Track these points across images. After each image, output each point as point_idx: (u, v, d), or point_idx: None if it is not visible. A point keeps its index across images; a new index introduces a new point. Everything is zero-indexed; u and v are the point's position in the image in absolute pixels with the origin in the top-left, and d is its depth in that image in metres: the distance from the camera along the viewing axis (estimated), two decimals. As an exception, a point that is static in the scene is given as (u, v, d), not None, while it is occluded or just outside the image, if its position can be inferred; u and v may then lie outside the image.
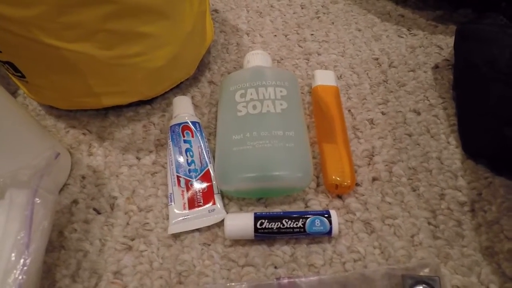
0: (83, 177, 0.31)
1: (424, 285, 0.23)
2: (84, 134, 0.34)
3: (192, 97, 0.36)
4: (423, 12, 0.44)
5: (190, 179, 0.29)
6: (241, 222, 0.26)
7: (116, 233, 0.28)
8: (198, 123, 0.32)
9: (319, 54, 0.40)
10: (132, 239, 0.27)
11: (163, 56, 0.31)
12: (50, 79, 0.30)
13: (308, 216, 0.26)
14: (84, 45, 0.27)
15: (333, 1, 0.46)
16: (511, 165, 0.29)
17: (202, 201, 0.28)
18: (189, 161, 0.30)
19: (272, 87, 0.31)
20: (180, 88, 0.37)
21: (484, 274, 0.25)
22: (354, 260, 0.26)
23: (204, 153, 0.30)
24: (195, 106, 0.36)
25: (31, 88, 0.33)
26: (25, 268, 0.19)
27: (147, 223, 0.28)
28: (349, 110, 0.35)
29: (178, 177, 0.29)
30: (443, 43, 0.40)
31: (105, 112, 0.36)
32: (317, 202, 0.29)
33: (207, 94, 0.37)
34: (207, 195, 0.28)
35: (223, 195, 0.29)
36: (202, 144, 0.31)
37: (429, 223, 0.28)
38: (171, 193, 0.29)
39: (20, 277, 0.18)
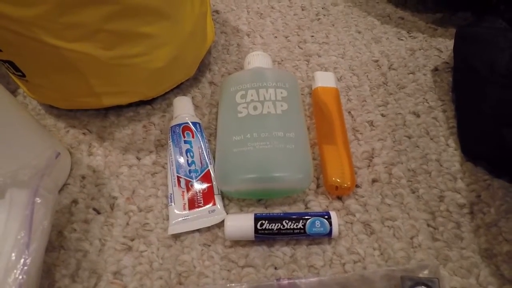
0: (83, 177, 0.31)
1: (423, 286, 0.23)
2: (84, 134, 0.34)
3: (193, 98, 0.36)
4: (423, 15, 0.44)
5: (191, 180, 0.29)
6: (241, 223, 0.26)
7: (116, 233, 0.28)
8: (199, 123, 0.32)
9: (319, 56, 0.40)
10: (132, 239, 0.27)
11: (164, 57, 0.31)
12: (51, 78, 0.30)
13: (308, 217, 0.26)
14: (85, 45, 0.27)
15: (334, 3, 0.46)
16: (510, 168, 0.29)
17: (202, 201, 0.28)
18: (189, 162, 0.30)
19: (273, 88, 0.31)
20: (180, 88, 0.37)
21: (482, 276, 0.25)
22: (354, 262, 0.26)
23: (205, 153, 0.30)
24: (196, 107, 0.36)
25: (31, 88, 0.33)
26: (25, 267, 0.19)
27: (147, 224, 0.28)
28: (349, 112, 0.35)
29: (178, 177, 0.29)
30: (442, 46, 0.40)
31: (105, 112, 0.36)
32: (317, 204, 0.29)
33: (207, 95, 0.37)
34: (207, 195, 0.28)
35: (223, 196, 0.29)
36: (202, 145, 0.31)
37: (428, 225, 0.28)
38: (171, 194, 0.29)
39: (20, 277, 0.18)
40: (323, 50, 0.41)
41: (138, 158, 0.32)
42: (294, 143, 0.28)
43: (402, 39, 0.41)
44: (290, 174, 0.27)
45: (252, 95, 0.30)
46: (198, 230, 0.28)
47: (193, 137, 0.31)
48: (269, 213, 0.27)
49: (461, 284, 0.25)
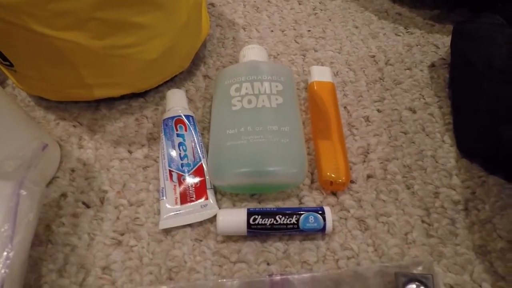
0: (73, 170, 0.30)
1: (417, 283, 0.23)
2: (74, 126, 0.33)
3: (187, 91, 0.36)
4: (420, 11, 0.44)
5: (183, 174, 0.28)
6: (233, 218, 0.26)
7: (105, 227, 0.27)
8: (192, 116, 0.31)
9: (315, 51, 0.39)
10: (122, 234, 0.27)
11: (157, 48, 0.31)
12: (40, 68, 0.29)
13: (301, 212, 0.26)
14: (75, 34, 0.26)
15: (331, -2, 0.45)
16: (505, 164, 0.29)
17: (194, 196, 0.28)
18: (182, 155, 0.29)
19: (268, 82, 0.30)
20: (174, 81, 0.37)
21: (476, 273, 0.25)
22: (348, 258, 0.26)
23: (198, 147, 0.30)
24: (189, 100, 0.35)
25: (20, 78, 0.32)
26: (8, 261, 0.18)
27: (138, 218, 0.28)
28: (345, 107, 0.35)
29: (170, 171, 0.28)
30: (439, 42, 0.40)
31: (96, 104, 0.35)
32: (311, 199, 0.29)
33: (201, 88, 0.36)
34: (200, 190, 0.28)
35: (216, 190, 0.29)
36: (195, 138, 0.30)
37: (423, 221, 0.28)
38: (163, 188, 0.28)
39: (3, 271, 0.18)
40: (320, 44, 0.40)
41: (130, 152, 0.32)
42: (289, 137, 0.27)
43: (399, 35, 0.41)
44: (284, 168, 0.26)
45: (246, 88, 0.30)
46: (190, 225, 0.27)
47: (186, 130, 0.30)
48: (262, 208, 0.27)
49: (455, 281, 0.25)
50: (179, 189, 0.28)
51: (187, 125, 0.31)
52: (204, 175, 0.29)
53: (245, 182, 0.27)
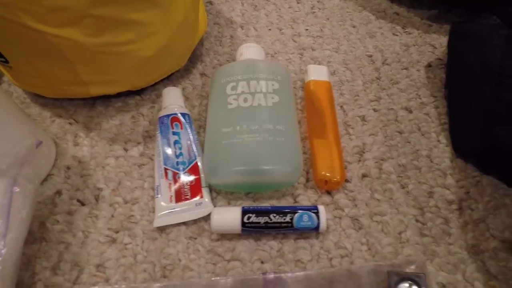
0: (68, 168, 0.30)
1: (409, 281, 0.23)
2: (70, 123, 0.33)
3: (183, 89, 0.36)
4: (418, 11, 0.44)
5: (178, 172, 0.28)
6: (228, 216, 0.26)
7: (100, 225, 0.27)
8: (188, 115, 0.31)
9: (313, 50, 0.39)
10: (117, 232, 0.27)
11: (154, 45, 0.30)
12: (35, 65, 0.29)
13: (296, 211, 0.26)
14: (71, 31, 0.26)
15: (329, -3, 0.45)
16: (499, 165, 0.29)
17: (189, 194, 0.28)
18: (177, 153, 0.29)
19: (264, 81, 0.30)
20: (171, 79, 0.36)
21: (469, 272, 0.25)
22: (341, 256, 0.26)
23: (193, 145, 0.30)
24: (186, 98, 0.35)
25: (15, 75, 0.32)
26: (0, 258, 0.18)
27: (133, 216, 0.28)
28: (341, 106, 0.35)
29: (165, 169, 0.28)
30: (436, 42, 0.40)
31: (92, 101, 0.35)
32: (306, 198, 0.29)
33: (198, 86, 0.36)
34: (195, 188, 0.28)
35: (211, 189, 0.29)
36: (191, 137, 0.30)
37: (416, 221, 0.28)
38: (158, 186, 0.28)
39: (-5, 267, 0.18)
40: (317, 43, 0.40)
41: (126, 149, 0.32)
42: (284, 136, 0.28)
43: (396, 35, 0.41)
44: (279, 167, 0.26)
45: (243, 87, 0.30)
46: (185, 223, 0.27)
47: (181, 128, 0.30)
48: (256, 207, 0.27)
49: (447, 280, 0.25)
50: (174, 187, 0.28)
51: (182, 123, 0.31)
52: (199, 173, 0.29)
53: (240, 181, 0.27)
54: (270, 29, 0.42)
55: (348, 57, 0.39)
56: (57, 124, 0.33)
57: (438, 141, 0.32)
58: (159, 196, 0.28)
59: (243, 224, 0.25)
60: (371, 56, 0.39)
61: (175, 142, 0.30)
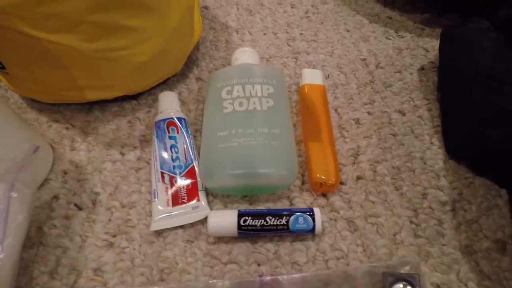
0: (65, 172, 0.30)
1: (404, 282, 0.23)
2: (67, 128, 0.34)
3: (179, 93, 0.36)
4: (411, 15, 0.44)
5: (175, 176, 0.29)
6: (224, 219, 0.26)
7: (97, 229, 0.27)
8: (184, 119, 0.32)
9: (307, 54, 0.40)
10: (114, 236, 0.27)
11: (149, 51, 0.31)
12: (32, 71, 0.29)
13: (291, 213, 0.26)
14: (67, 37, 0.27)
15: (323, 2, 0.46)
16: (491, 166, 0.30)
17: (186, 198, 0.28)
18: (173, 158, 0.29)
19: (259, 85, 0.31)
20: (167, 84, 0.37)
21: (463, 272, 0.26)
22: (337, 258, 0.26)
23: (189, 149, 0.30)
24: (182, 103, 0.35)
25: (12, 80, 0.32)
26: (-2, 263, 0.18)
27: (130, 220, 0.28)
28: (335, 110, 0.35)
29: (162, 173, 0.29)
30: (429, 46, 0.41)
31: (89, 106, 0.35)
32: (301, 200, 0.29)
33: (194, 91, 0.36)
34: (192, 192, 0.28)
35: (207, 192, 0.29)
36: (187, 141, 0.30)
37: (411, 222, 0.28)
38: (154, 190, 0.28)
39: (-7, 273, 0.18)
40: (312, 47, 0.41)
41: (122, 154, 0.32)
42: (279, 139, 0.28)
43: (389, 38, 0.42)
44: (275, 170, 0.27)
45: (238, 91, 0.30)
46: (182, 227, 0.27)
47: (178, 132, 0.31)
48: (252, 210, 0.27)
49: (441, 280, 0.25)
50: (170, 191, 0.28)
51: (179, 128, 0.31)
52: (196, 177, 0.29)
53: (236, 184, 0.27)
54: (265, 34, 0.42)
55: (342, 61, 0.39)
56: (53, 129, 0.34)
57: (431, 143, 0.33)
58: (156, 200, 0.28)
59: (240, 227, 0.26)
60: (364, 59, 0.40)
61: (172, 146, 0.30)
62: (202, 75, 0.38)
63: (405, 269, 0.25)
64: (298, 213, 0.26)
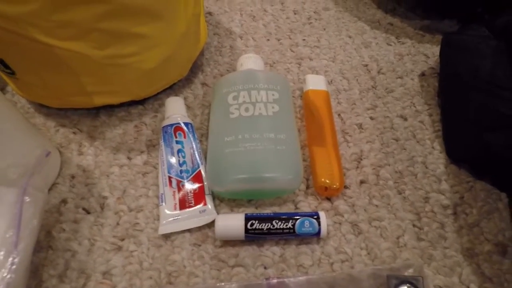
0: (73, 177, 0.31)
1: (408, 284, 0.24)
2: (74, 133, 0.34)
3: (185, 98, 0.36)
4: (411, 21, 0.45)
5: (182, 180, 0.29)
6: (231, 223, 0.26)
7: (105, 233, 0.28)
8: (191, 124, 0.32)
9: (310, 59, 0.41)
10: (122, 239, 0.27)
11: (157, 57, 0.31)
12: (41, 76, 0.30)
13: (297, 217, 0.27)
14: (78, 44, 0.27)
15: (325, 8, 0.47)
16: (491, 170, 0.31)
17: (193, 201, 0.28)
18: (180, 162, 0.30)
19: (265, 90, 0.31)
20: (173, 89, 0.37)
21: (465, 275, 0.26)
22: (342, 261, 0.27)
23: (196, 154, 0.30)
24: (188, 107, 0.36)
25: (21, 85, 0.32)
26: (14, 267, 0.19)
27: (138, 223, 0.28)
28: (338, 115, 0.36)
29: (169, 177, 0.29)
30: (429, 52, 0.42)
31: (96, 111, 0.35)
32: (306, 204, 0.30)
33: (199, 96, 0.37)
34: (198, 196, 0.29)
35: (214, 196, 0.30)
36: (194, 145, 0.31)
37: (413, 225, 0.29)
38: (162, 194, 0.29)
39: (9, 276, 0.18)
40: (315, 53, 0.41)
41: (129, 158, 0.32)
42: (285, 144, 0.28)
43: (391, 45, 0.43)
44: (281, 174, 0.27)
45: (244, 97, 0.31)
46: (189, 230, 0.28)
47: (184, 137, 0.31)
48: (259, 213, 0.27)
49: (444, 283, 0.26)
50: (178, 195, 0.28)
51: (185, 132, 0.31)
52: (203, 181, 0.29)
53: (243, 188, 0.28)
54: (268, 39, 0.43)
55: (345, 67, 0.40)
56: (61, 134, 0.34)
57: (433, 147, 0.34)
58: (163, 204, 0.28)
59: (247, 230, 0.26)
60: (366, 65, 0.40)
61: (179, 151, 0.30)
62: (207, 80, 0.38)
63: (409, 272, 0.25)
64: (304, 217, 0.27)
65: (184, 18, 0.32)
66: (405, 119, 0.36)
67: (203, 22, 0.39)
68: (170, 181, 0.29)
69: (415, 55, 0.41)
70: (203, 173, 0.30)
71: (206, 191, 0.29)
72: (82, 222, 0.28)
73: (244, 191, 0.28)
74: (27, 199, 0.21)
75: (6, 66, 0.29)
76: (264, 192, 0.29)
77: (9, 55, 0.28)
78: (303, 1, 0.47)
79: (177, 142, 0.31)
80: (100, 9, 0.26)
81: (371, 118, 0.36)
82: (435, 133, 0.34)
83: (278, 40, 0.43)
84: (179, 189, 0.29)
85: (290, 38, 0.43)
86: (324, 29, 0.44)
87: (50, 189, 0.30)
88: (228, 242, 0.27)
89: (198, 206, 0.28)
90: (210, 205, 0.28)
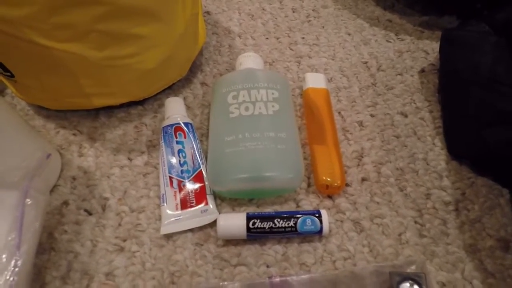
0: (74, 178, 0.31)
1: (410, 281, 0.24)
2: (74, 134, 0.34)
3: (184, 98, 0.36)
4: (410, 18, 0.45)
5: (183, 180, 0.29)
6: (233, 222, 0.26)
7: (107, 234, 0.28)
8: (191, 124, 0.32)
9: (310, 57, 0.41)
10: (124, 240, 0.27)
11: (155, 58, 0.31)
12: (40, 78, 0.30)
13: (299, 215, 0.27)
14: (76, 46, 0.27)
15: (324, 6, 0.47)
16: (492, 166, 0.31)
17: (194, 201, 0.28)
18: (181, 162, 0.30)
19: (264, 89, 0.31)
20: (172, 89, 0.37)
21: (467, 270, 0.26)
22: (344, 259, 0.27)
23: (197, 154, 0.30)
24: (188, 107, 0.36)
25: (20, 88, 0.32)
26: (17, 269, 0.19)
27: (139, 224, 0.28)
28: (339, 112, 0.36)
29: (170, 177, 0.29)
30: (429, 48, 0.42)
31: (95, 112, 0.35)
32: (308, 202, 0.30)
33: (199, 96, 0.37)
34: (200, 195, 0.29)
35: (215, 196, 0.30)
36: (194, 145, 0.31)
37: (415, 222, 0.29)
38: (163, 194, 0.29)
39: (11, 279, 0.18)
40: (314, 51, 0.41)
41: (130, 159, 0.32)
42: (285, 143, 0.28)
43: (390, 41, 0.42)
44: (282, 173, 0.27)
45: (244, 96, 0.31)
46: (191, 230, 0.28)
47: (185, 137, 0.31)
48: (261, 212, 0.27)
49: (446, 279, 0.26)
50: (179, 195, 0.28)
51: (186, 132, 0.31)
52: (204, 181, 0.29)
53: (244, 188, 0.28)
54: (267, 38, 0.43)
55: (344, 64, 0.40)
56: (61, 136, 0.34)
57: (434, 144, 0.33)
58: (164, 204, 0.28)
59: (249, 229, 0.26)
60: (366, 62, 0.40)
61: (179, 151, 0.30)
62: (207, 80, 0.38)
63: (411, 269, 0.25)
64: (306, 215, 0.26)
65: (182, 18, 0.32)
66: (406, 116, 0.36)
67: (202, 22, 0.39)
68: (171, 181, 0.29)
69: (414, 52, 0.41)
70: (204, 173, 0.30)
71: (208, 191, 0.29)
72: (84, 224, 0.28)
73: (246, 190, 0.28)
74: (28, 201, 0.21)
75: (5, 69, 0.29)
76: (265, 191, 0.29)
77: (8, 58, 0.28)
78: (302, -1, 0.47)
79: (177, 142, 0.31)
80: (97, 11, 0.26)
81: (372, 116, 0.36)
82: (435, 130, 0.34)
83: (277, 38, 0.43)
84: (180, 189, 0.29)
85: (289, 37, 0.43)
86: (323, 27, 0.44)
87: (51, 191, 0.30)
88: (230, 242, 0.27)
89: (199, 206, 0.28)
90: (211, 205, 0.28)
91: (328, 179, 0.29)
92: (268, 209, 0.29)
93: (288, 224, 0.26)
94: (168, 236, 0.28)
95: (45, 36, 0.26)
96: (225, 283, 0.24)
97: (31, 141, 0.27)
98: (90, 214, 0.29)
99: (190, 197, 0.28)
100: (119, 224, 0.28)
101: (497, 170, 0.30)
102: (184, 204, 0.28)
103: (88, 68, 0.29)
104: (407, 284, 0.24)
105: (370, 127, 0.35)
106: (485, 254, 0.27)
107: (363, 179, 0.31)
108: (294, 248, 0.27)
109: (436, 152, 0.33)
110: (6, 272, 0.18)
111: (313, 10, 0.46)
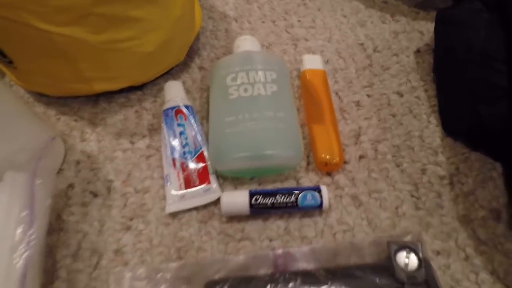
0: (78, 162, 0.31)
1: (407, 249, 0.25)
2: (75, 120, 0.34)
3: (183, 83, 0.37)
4: (405, -2, 0.45)
5: (185, 161, 0.30)
6: (236, 199, 0.27)
7: (114, 214, 0.28)
8: (191, 106, 0.33)
9: (306, 40, 0.41)
10: (131, 219, 0.28)
11: (154, 41, 0.31)
12: (40, 64, 0.30)
13: (300, 191, 0.27)
14: (75, 29, 0.27)
15: (319, -12, 0.47)
16: (485, 141, 0.32)
17: (197, 181, 0.29)
18: (183, 144, 0.30)
19: (262, 71, 0.32)
20: (170, 74, 0.38)
21: (461, 239, 0.28)
22: (344, 231, 0.28)
23: (198, 135, 0.31)
24: (187, 91, 0.36)
25: (19, 75, 0.33)
26: (31, 243, 0.19)
27: (145, 204, 0.29)
28: (336, 93, 0.36)
29: (173, 159, 0.30)
30: (424, 29, 0.42)
31: (95, 98, 0.36)
32: (308, 180, 0.30)
33: (197, 80, 0.37)
34: (203, 175, 0.29)
35: (218, 175, 0.30)
36: (195, 127, 0.31)
37: (412, 196, 0.30)
38: (167, 175, 0.29)
39: (27, 252, 0.19)
40: (310, 34, 0.41)
41: (132, 142, 0.33)
42: (284, 122, 0.29)
43: (386, 23, 0.43)
44: (282, 151, 0.28)
45: (242, 78, 0.31)
46: (195, 209, 0.29)
47: (185, 119, 0.32)
48: (263, 189, 0.28)
49: (441, 247, 0.27)
50: (182, 175, 0.29)
51: (186, 115, 0.32)
52: (206, 161, 0.30)
53: (245, 166, 0.29)
54: (263, 22, 0.43)
55: (341, 46, 0.40)
56: (62, 122, 0.34)
57: (429, 122, 0.34)
58: (169, 184, 0.29)
59: (251, 205, 0.27)
60: (362, 44, 0.41)
61: (181, 133, 0.31)
62: (204, 64, 0.39)
63: (408, 238, 0.26)
64: (307, 191, 0.27)
65: (179, 1, 0.32)
66: (402, 95, 0.36)
67: (198, 6, 0.39)
68: (174, 163, 0.30)
69: (410, 32, 0.42)
70: (205, 153, 0.30)
71: (210, 171, 0.30)
72: (90, 205, 0.29)
73: (247, 169, 0.29)
74: (38, 181, 0.22)
75: (4, 56, 0.29)
76: (266, 169, 0.30)
77: (7, 43, 0.28)
78: (297, -18, 0.47)
79: (178, 124, 0.31)
80: (96, -7, 0.26)
81: (368, 96, 0.36)
82: (431, 108, 0.35)
83: (273, 22, 0.43)
84: (183, 170, 0.29)
85: (285, 20, 0.43)
86: (319, 9, 0.44)
87: (56, 175, 0.30)
88: (234, 218, 0.28)
89: (202, 185, 0.29)
90: (214, 184, 0.29)
91: (327, 156, 0.30)
92: (269, 187, 0.30)
93: (289, 199, 0.27)
94: (174, 215, 0.28)
95: (44, 20, 0.26)
96: (230, 256, 0.25)
97: (35, 124, 0.28)
98: (95, 196, 0.30)
99: (193, 177, 0.29)
100: (125, 205, 0.29)
101: (490, 144, 0.31)
102: (188, 183, 0.29)
103: (88, 52, 0.29)
104: (404, 253, 0.25)
105: (367, 106, 0.35)
106: (478, 224, 0.28)
107: (361, 157, 0.32)
108: (295, 223, 0.28)
109: (431, 130, 0.34)
110: (21, 246, 0.19)
111: (308, -7, 0.46)
